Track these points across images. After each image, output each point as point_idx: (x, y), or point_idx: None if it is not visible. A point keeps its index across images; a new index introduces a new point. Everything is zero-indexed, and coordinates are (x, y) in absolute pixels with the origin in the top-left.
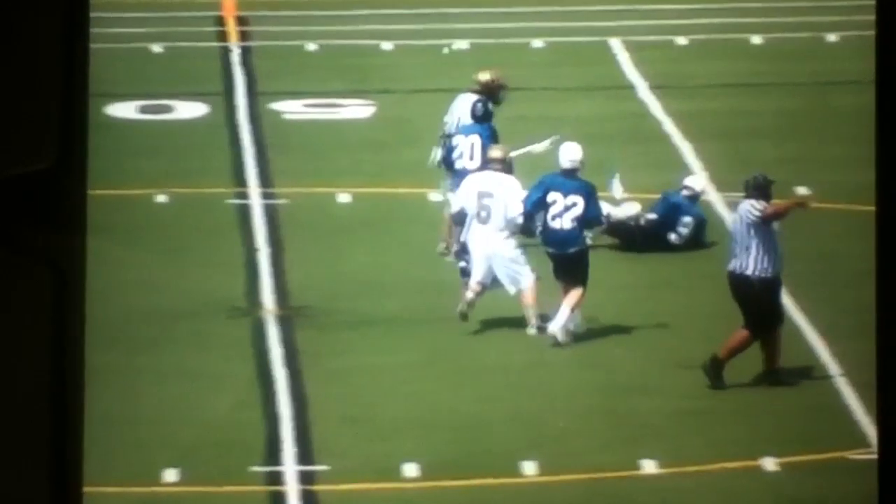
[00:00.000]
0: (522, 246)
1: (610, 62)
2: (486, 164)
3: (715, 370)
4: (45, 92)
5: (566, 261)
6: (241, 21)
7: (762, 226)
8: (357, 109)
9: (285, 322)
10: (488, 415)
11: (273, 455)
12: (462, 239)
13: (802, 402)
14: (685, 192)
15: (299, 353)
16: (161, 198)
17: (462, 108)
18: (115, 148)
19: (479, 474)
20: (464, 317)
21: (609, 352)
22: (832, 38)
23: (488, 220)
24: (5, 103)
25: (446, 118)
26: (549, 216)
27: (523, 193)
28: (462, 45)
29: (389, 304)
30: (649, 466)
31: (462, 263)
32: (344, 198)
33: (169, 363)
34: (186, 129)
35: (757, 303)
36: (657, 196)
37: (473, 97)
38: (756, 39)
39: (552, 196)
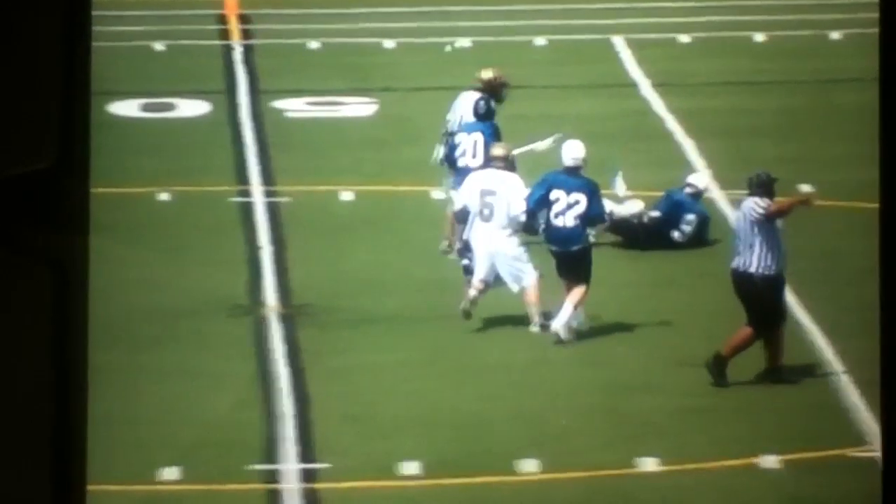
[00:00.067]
0: (525, 244)
1: (612, 60)
2: (489, 161)
3: (718, 368)
4: (46, 91)
5: (569, 258)
6: (244, 19)
7: (766, 223)
8: (359, 107)
9: (287, 320)
10: (490, 413)
11: (274, 453)
12: (465, 237)
13: (804, 399)
14: (688, 190)
15: (301, 351)
16: (163, 196)
17: (464, 106)
18: (117, 146)
19: (481, 472)
20: (466, 315)
21: (612, 350)
22: (835, 35)
23: (491, 217)
24: (5, 103)
25: (449, 116)
26: (551, 214)
27: (526, 191)
28: (464, 43)
29: (391, 302)
30: (651, 464)
31: (465, 261)
32: (346, 196)
33: (171, 362)
34: (188, 128)
35: (760, 300)
36: (660, 194)
37: (476, 95)
38: (759, 37)
39: (555, 194)
